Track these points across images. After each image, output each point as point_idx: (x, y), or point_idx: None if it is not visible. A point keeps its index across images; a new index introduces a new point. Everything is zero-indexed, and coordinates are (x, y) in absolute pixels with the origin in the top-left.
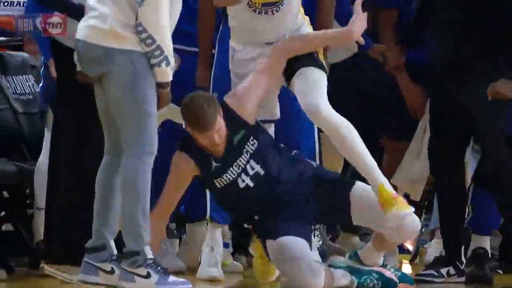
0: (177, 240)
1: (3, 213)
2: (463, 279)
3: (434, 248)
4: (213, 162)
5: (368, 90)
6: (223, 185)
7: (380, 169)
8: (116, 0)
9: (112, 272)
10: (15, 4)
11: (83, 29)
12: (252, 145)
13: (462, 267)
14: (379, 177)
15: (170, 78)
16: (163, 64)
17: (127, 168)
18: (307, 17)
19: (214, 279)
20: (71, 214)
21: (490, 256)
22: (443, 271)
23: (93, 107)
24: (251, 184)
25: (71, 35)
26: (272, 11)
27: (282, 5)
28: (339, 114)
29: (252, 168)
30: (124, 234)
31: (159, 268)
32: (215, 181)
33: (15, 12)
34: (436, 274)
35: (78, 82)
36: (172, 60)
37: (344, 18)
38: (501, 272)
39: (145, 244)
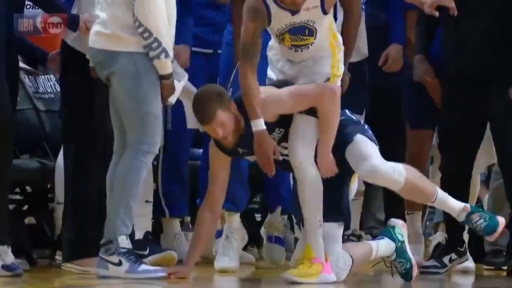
0: (191, 233)
1: (26, 207)
2: (465, 258)
3: (438, 240)
4: (239, 149)
5: (385, 83)
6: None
7: (403, 160)
8: (114, 4)
9: (119, 264)
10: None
11: (91, 36)
12: (279, 133)
13: (462, 249)
14: (311, 236)
15: (170, 69)
16: (162, 56)
17: (122, 164)
18: (339, 37)
19: (225, 270)
20: (86, 209)
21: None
22: (446, 259)
23: (103, 108)
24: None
25: (83, 41)
26: (302, 49)
27: (311, 45)
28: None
29: (284, 148)
30: (105, 223)
31: (131, 257)
32: (247, 157)
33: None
34: (439, 265)
35: (90, 83)
36: (171, 52)
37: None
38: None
39: (120, 234)
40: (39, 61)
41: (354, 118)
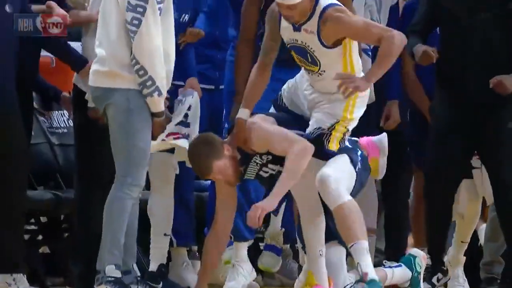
0: (199, 262)
1: (40, 237)
2: (447, 277)
3: None
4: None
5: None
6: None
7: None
8: (113, 41)
9: None
10: None
11: (90, 75)
12: (267, 158)
13: (445, 268)
14: (314, 263)
15: (162, 108)
16: (155, 94)
17: (109, 196)
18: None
19: None
20: (91, 242)
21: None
22: (434, 280)
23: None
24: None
25: (85, 81)
26: (313, 74)
27: (321, 75)
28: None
29: (271, 169)
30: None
31: (117, 285)
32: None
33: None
34: (430, 286)
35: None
36: (164, 91)
37: None
38: None
39: (108, 264)
40: (53, 98)
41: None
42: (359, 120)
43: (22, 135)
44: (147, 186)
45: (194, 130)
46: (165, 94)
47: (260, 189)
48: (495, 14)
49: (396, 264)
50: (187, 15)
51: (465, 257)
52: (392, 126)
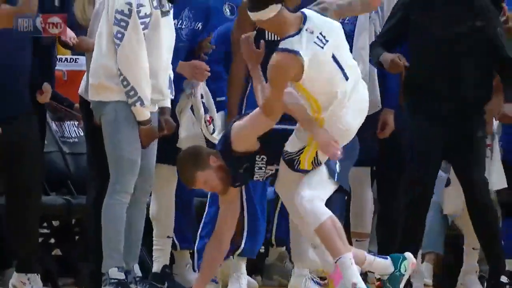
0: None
1: (53, 240)
2: None
3: (425, 269)
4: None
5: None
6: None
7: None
8: (104, 54)
9: None
10: (69, 60)
11: (89, 89)
12: (262, 160)
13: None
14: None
15: (145, 117)
16: (138, 104)
17: (103, 203)
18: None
19: None
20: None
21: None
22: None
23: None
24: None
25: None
26: None
27: None
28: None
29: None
30: None
31: (119, 287)
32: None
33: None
34: None
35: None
36: (146, 101)
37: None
38: None
39: (110, 267)
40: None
41: None
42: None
43: (37, 144)
44: None
45: (215, 115)
46: (148, 104)
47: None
48: (465, 29)
49: (384, 256)
50: (200, 23)
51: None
52: (387, 134)
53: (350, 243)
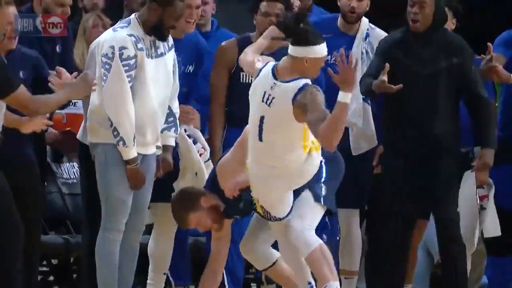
0: None
1: (52, 277)
2: None
3: None
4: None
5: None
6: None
7: None
8: (94, 97)
9: None
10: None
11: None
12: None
13: None
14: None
15: (129, 157)
16: (121, 144)
17: (96, 241)
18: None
19: None
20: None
21: None
22: None
23: None
24: None
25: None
26: None
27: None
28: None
29: None
30: None
31: None
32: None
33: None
34: None
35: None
36: (128, 142)
37: None
38: None
39: None
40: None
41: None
42: None
43: (38, 187)
44: (148, 231)
45: (206, 145)
46: (130, 144)
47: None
48: (442, 67)
49: None
50: (191, 66)
51: None
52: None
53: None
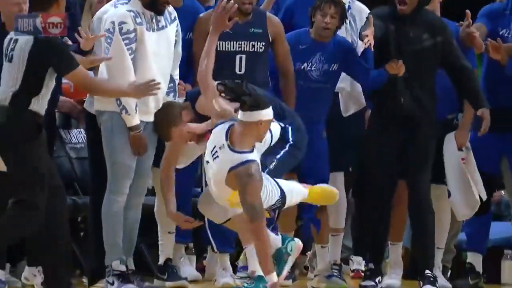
0: (195, 256)
1: None
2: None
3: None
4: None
5: None
6: None
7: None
8: (102, 67)
9: (112, 283)
10: None
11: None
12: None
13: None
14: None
15: (131, 124)
16: (123, 112)
17: (102, 202)
18: None
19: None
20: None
21: None
22: (377, 280)
23: None
24: None
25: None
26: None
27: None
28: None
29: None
30: None
31: (121, 278)
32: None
33: None
34: (374, 284)
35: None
36: (130, 110)
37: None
38: None
39: (112, 260)
40: (73, 117)
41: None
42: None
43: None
44: (152, 192)
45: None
46: (132, 112)
47: None
48: (426, 45)
49: (283, 234)
50: (190, 32)
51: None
52: None
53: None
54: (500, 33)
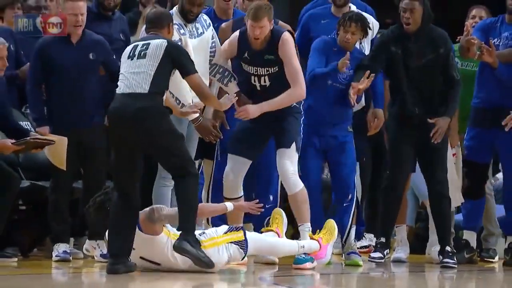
0: None
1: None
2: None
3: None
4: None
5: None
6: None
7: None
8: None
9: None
10: None
11: None
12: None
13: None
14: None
15: (193, 117)
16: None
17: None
18: None
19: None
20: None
21: None
22: (385, 252)
23: None
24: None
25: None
26: None
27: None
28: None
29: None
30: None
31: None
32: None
33: None
34: (382, 256)
35: None
36: (187, 101)
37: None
38: None
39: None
40: None
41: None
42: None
43: (102, 146)
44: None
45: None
46: (187, 103)
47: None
48: (431, 58)
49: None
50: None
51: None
52: (378, 126)
53: None
54: (492, 42)
